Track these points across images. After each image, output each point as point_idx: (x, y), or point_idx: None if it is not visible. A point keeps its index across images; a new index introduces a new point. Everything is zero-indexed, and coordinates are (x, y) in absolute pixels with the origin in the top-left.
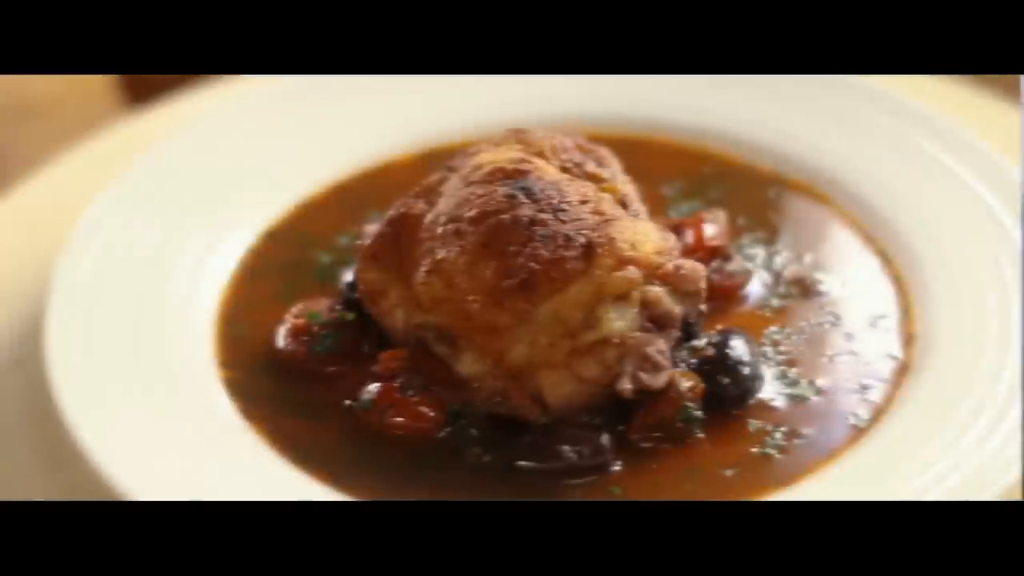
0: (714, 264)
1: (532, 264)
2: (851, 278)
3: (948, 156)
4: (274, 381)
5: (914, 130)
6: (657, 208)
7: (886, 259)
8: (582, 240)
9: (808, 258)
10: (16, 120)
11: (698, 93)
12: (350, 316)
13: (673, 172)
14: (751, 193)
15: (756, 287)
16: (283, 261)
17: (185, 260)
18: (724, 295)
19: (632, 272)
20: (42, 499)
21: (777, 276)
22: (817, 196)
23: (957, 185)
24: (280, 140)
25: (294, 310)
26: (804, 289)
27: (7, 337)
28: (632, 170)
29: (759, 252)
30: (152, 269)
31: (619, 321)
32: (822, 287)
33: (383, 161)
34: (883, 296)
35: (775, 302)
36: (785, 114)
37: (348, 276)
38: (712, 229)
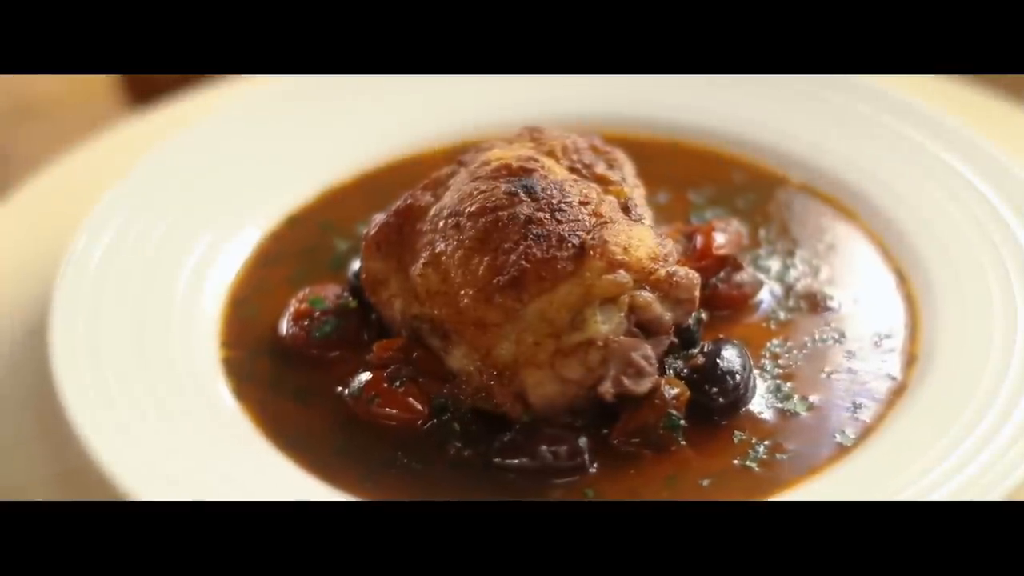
0: (722, 273)
1: (523, 262)
2: (864, 295)
3: (980, 179)
4: (274, 364)
5: (947, 150)
6: (680, 213)
7: (902, 277)
8: (575, 241)
9: (824, 272)
10: (17, 120)
11: (733, 100)
12: (353, 304)
13: (704, 178)
14: (778, 203)
15: (767, 299)
16: (301, 247)
17: (200, 243)
18: (731, 304)
19: (622, 276)
20: (47, 486)
21: (789, 289)
22: (844, 210)
23: (983, 207)
24: (309, 132)
25: (300, 295)
26: (813, 304)
27: (10, 336)
28: (663, 174)
29: (775, 264)
30: (166, 252)
31: (604, 324)
32: (832, 303)
33: (413, 154)
34: (892, 315)
35: (782, 315)
36: (818, 126)
37: (357, 264)
38: (722, 238)
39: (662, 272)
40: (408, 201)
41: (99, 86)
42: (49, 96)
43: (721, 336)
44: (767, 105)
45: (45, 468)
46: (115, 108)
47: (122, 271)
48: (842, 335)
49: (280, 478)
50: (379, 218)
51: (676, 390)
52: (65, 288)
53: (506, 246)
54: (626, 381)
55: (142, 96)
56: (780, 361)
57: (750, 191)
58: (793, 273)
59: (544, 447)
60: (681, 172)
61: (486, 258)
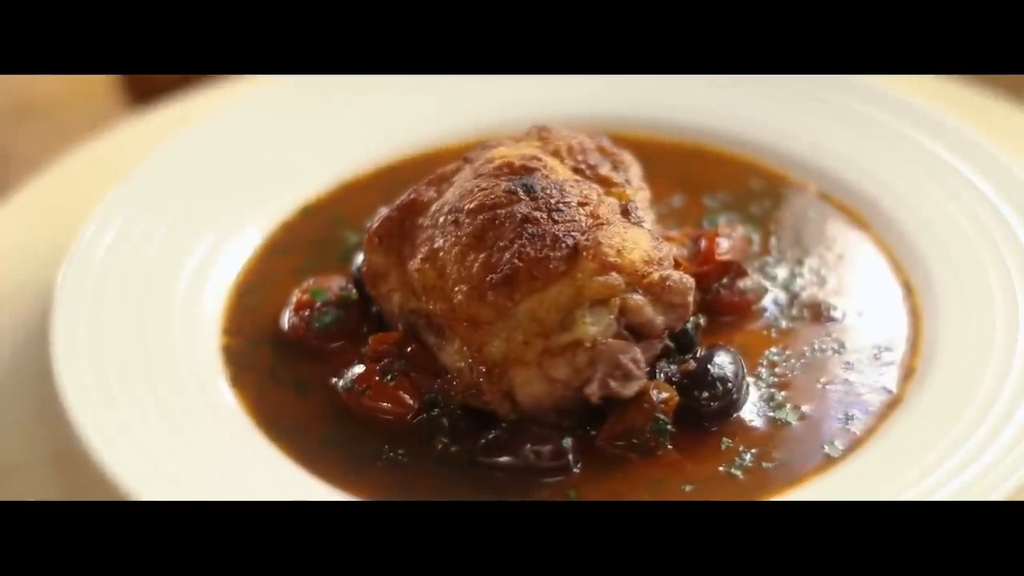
0: (725, 279)
1: (516, 261)
2: (869, 307)
3: (981, 180)
4: (274, 354)
5: (948, 151)
6: (694, 218)
7: (909, 289)
8: (569, 242)
9: (831, 282)
10: (18, 120)
11: (752, 102)
12: (354, 296)
13: (721, 183)
14: (792, 211)
15: (770, 306)
16: (312, 238)
17: (202, 243)
18: (733, 311)
19: (614, 278)
20: (48, 483)
21: (793, 297)
22: (858, 220)
23: (984, 208)
24: (313, 130)
25: (303, 285)
26: (816, 313)
27: (11, 337)
28: (680, 177)
29: (782, 271)
30: (168, 251)
31: (593, 326)
32: (835, 313)
33: (431, 150)
34: (895, 328)
35: (784, 323)
36: (834, 136)
37: (361, 257)
38: (726, 244)
39: (655, 276)
40: (411, 196)
41: (99, 86)
42: (49, 96)
43: (719, 342)
44: (772, 106)
45: (46, 463)
46: (115, 108)
47: (124, 271)
48: (842, 346)
49: (270, 470)
50: (383, 212)
51: (665, 394)
52: (67, 288)
53: (501, 244)
54: (612, 383)
55: (142, 96)
56: (777, 369)
57: (766, 197)
58: (799, 282)
59: (528, 446)
60: (698, 176)
61: (481, 255)
